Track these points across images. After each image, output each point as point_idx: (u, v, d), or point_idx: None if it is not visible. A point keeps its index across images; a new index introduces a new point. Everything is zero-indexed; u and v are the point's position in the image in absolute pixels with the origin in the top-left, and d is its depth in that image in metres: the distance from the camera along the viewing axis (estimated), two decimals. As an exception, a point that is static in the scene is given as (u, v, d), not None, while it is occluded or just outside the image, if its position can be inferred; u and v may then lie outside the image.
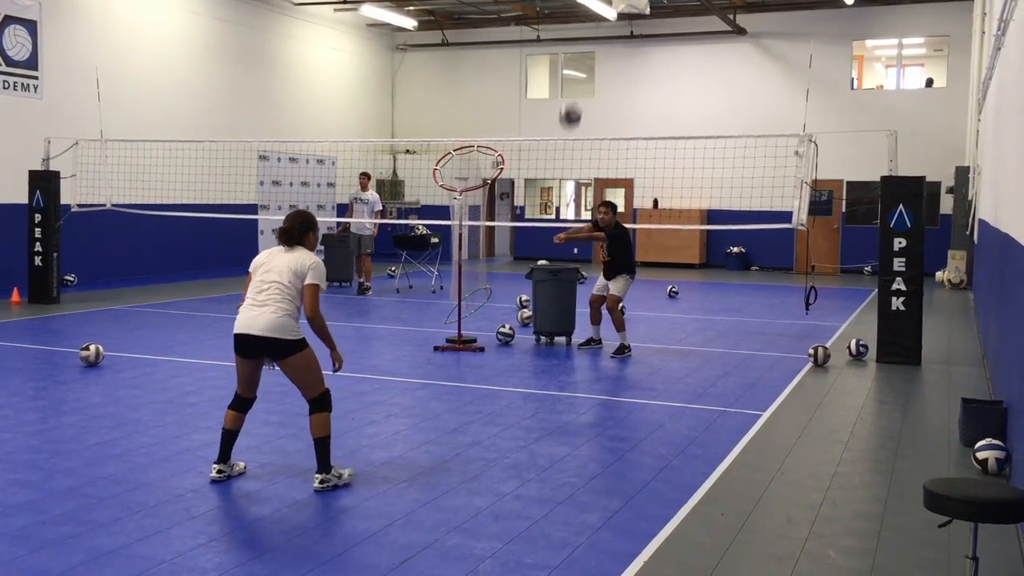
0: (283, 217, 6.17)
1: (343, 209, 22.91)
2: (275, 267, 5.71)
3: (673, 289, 16.74)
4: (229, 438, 5.88)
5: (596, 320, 10.91)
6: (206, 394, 8.21)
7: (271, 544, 4.83)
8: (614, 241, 10.67)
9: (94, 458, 6.32)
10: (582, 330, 11.38)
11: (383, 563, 4.59)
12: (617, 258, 10.67)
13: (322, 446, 5.72)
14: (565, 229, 13.10)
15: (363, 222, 16.41)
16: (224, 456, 5.87)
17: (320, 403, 5.74)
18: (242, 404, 5.90)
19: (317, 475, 5.70)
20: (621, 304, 10.73)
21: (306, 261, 5.72)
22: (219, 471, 5.83)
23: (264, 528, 5.08)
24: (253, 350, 5.71)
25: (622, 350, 10.52)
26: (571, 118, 11.70)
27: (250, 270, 5.85)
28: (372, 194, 16.79)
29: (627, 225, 11.29)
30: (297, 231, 5.80)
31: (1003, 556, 4.81)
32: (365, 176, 17.00)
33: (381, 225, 16.63)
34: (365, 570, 4.51)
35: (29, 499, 5.48)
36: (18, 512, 5.25)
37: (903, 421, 7.82)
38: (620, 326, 10.60)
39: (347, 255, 17.53)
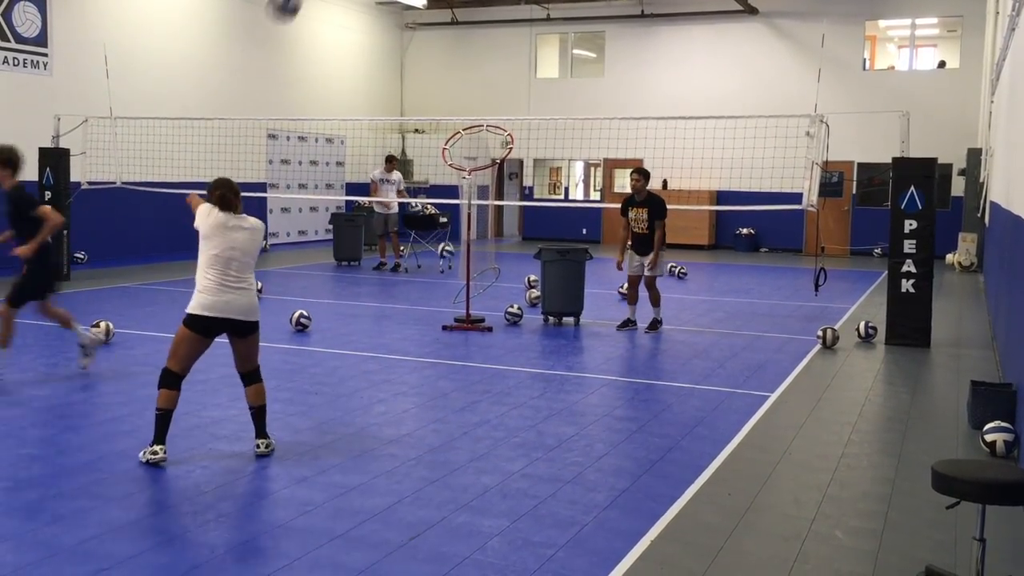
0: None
1: (351, 188, 22.97)
2: (239, 245, 5.86)
3: (681, 270, 16.71)
4: (167, 418, 5.74)
5: (635, 300, 10.91)
6: (216, 371, 8.23)
7: (280, 520, 4.86)
8: (653, 209, 10.60)
9: (105, 434, 6.37)
10: (590, 310, 11.38)
11: (392, 540, 4.62)
12: (654, 231, 10.62)
13: (263, 413, 5.97)
14: (574, 209, 13.03)
15: (391, 201, 16.75)
16: (162, 438, 5.70)
17: (259, 374, 5.99)
18: (178, 381, 5.78)
19: (260, 440, 5.91)
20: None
21: (259, 228, 6.02)
22: (156, 452, 5.68)
23: (273, 504, 5.11)
24: (217, 331, 5.81)
25: (656, 325, 10.73)
26: (286, 7, 9.31)
27: (203, 234, 5.97)
28: (397, 174, 17.21)
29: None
30: (238, 197, 6.01)
31: (1011, 538, 4.82)
32: (392, 159, 17.45)
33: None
34: (375, 547, 4.54)
35: (41, 473, 5.53)
36: (30, 486, 5.30)
37: (912, 403, 7.82)
38: (657, 301, 10.78)
39: (356, 235, 17.61)
